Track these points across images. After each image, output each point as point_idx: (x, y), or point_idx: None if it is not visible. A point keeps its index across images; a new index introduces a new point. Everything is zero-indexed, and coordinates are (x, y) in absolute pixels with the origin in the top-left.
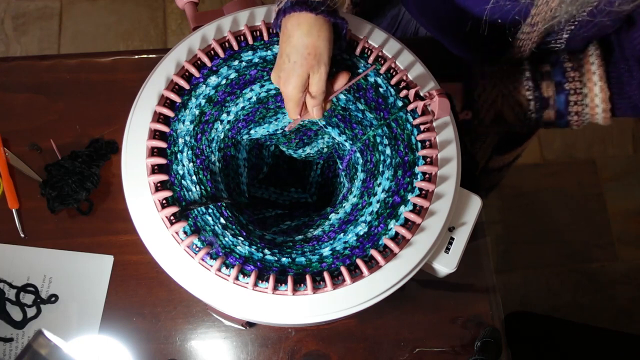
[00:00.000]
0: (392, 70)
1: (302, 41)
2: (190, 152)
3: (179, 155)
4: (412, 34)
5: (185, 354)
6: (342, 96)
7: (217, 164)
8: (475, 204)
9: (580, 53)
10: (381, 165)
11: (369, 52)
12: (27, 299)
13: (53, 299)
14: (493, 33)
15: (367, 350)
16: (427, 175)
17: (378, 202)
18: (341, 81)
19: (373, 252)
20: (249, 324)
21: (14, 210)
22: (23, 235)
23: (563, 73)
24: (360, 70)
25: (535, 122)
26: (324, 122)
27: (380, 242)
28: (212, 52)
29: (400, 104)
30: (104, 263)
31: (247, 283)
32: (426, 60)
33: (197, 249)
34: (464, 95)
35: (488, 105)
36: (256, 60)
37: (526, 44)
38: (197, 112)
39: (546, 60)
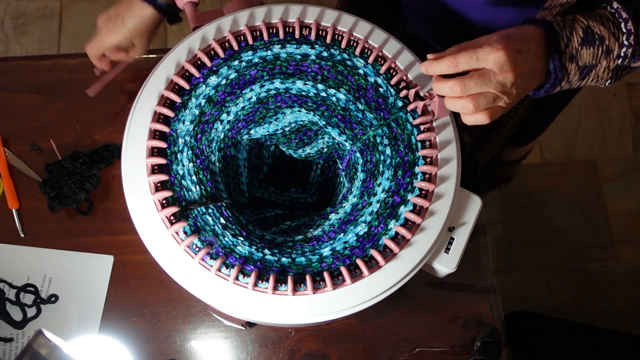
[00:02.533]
0: (392, 70)
1: (140, 21)
2: (190, 152)
3: (179, 155)
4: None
5: (185, 354)
6: (342, 96)
7: (217, 164)
8: (475, 204)
9: None
10: (381, 165)
11: (369, 52)
12: (27, 299)
13: (53, 299)
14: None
15: (367, 350)
16: (427, 175)
17: (378, 202)
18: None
19: (373, 252)
20: (249, 324)
21: (14, 210)
22: (23, 235)
23: None
24: (361, 71)
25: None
26: (324, 122)
27: (380, 242)
28: (212, 52)
29: (400, 104)
30: (104, 263)
31: (247, 283)
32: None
33: (197, 249)
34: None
35: (570, 22)
36: (256, 60)
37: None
38: (197, 112)
39: None
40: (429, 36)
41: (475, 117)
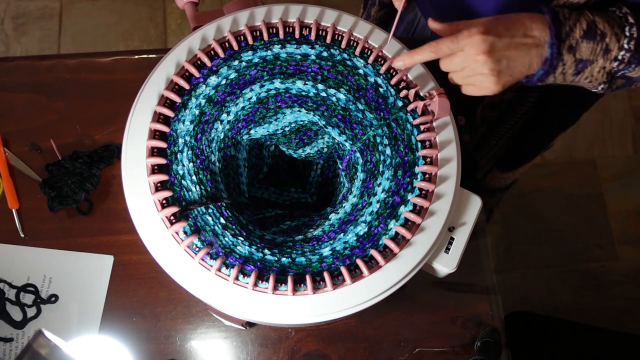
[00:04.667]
0: (392, 70)
1: None
2: (190, 152)
3: (179, 155)
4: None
5: (185, 354)
6: (342, 96)
7: (217, 164)
8: (475, 204)
9: None
10: (381, 165)
11: (369, 52)
12: (27, 299)
13: (53, 299)
14: None
15: (367, 350)
16: (427, 175)
17: (378, 202)
18: None
19: (373, 252)
20: (249, 324)
21: (14, 210)
22: (23, 235)
23: None
24: (361, 71)
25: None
26: (324, 122)
27: (380, 242)
28: (212, 52)
29: (400, 104)
30: (104, 263)
31: (247, 283)
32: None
33: (197, 249)
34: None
35: (575, 15)
36: (256, 60)
37: None
38: (197, 112)
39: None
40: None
41: (466, 89)
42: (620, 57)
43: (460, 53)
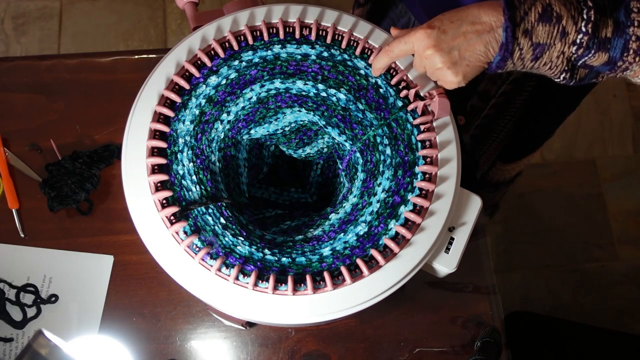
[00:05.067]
0: (392, 71)
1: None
2: (190, 152)
3: (179, 155)
4: None
5: (185, 354)
6: (342, 96)
7: (217, 164)
8: (475, 204)
9: None
10: (381, 165)
11: (369, 52)
12: (27, 299)
13: (53, 299)
14: None
15: (367, 350)
16: (427, 175)
17: (378, 202)
18: None
19: (373, 252)
20: (249, 324)
21: (14, 210)
22: (23, 235)
23: (628, 14)
24: (361, 71)
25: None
26: (324, 122)
27: (380, 242)
28: (212, 52)
29: (400, 104)
30: (104, 263)
31: (247, 283)
32: None
33: (197, 249)
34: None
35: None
36: (256, 60)
37: None
38: (197, 112)
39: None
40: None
41: (439, 83)
42: (578, 41)
43: (416, 54)
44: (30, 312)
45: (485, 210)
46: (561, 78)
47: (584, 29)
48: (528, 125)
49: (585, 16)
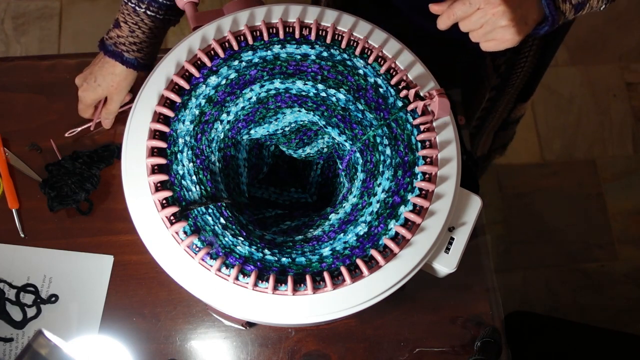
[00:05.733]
0: (392, 71)
1: (112, 78)
2: (190, 152)
3: (179, 155)
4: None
5: (185, 354)
6: (341, 96)
7: (217, 164)
8: (475, 204)
9: None
10: (381, 166)
11: (369, 52)
12: (27, 299)
13: (53, 299)
14: None
15: (367, 350)
16: (427, 175)
17: (378, 202)
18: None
19: (373, 252)
20: (249, 324)
21: (14, 210)
22: (23, 235)
23: None
24: (361, 71)
25: None
26: (323, 122)
27: (380, 242)
28: (212, 52)
29: (400, 104)
30: (104, 263)
31: (247, 283)
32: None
33: (197, 249)
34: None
35: None
36: (256, 60)
37: None
38: (197, 112)
39: None
40: (413, 12)
41: (486, 45)
42: None
43: (478, 11)
44: (30, 312)
45: (496, 153)
46: (601, 9)
47: None
48: (538, 63)
49: None
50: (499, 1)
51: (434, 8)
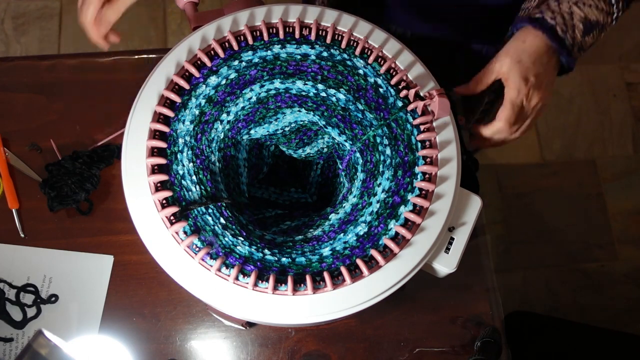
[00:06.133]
0: (392, 71)
1: None
2: (190, 152)
3: (179, 156)
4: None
5: (185, 354)
6: (341, 96)
7: (217, 164)
8: (475, 204)
9: None
10: (381, 166)
11: (369, 52)
12: (27, 299)
13: (53, 299)
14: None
15: (367, 350)
16: (427, 175)
17: (378, 202)
18: None
19: (373, 252)
20: (249, 324)
21: (14, 210)
22: (23, 235)
23: None
24: (360, 71)
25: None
26: (323, 122)
27: (380, 242)
28: (212, 52)
29: (400, 104)
30: (104, 263)
31: (247, 283)
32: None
33: (197, 249)
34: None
35: (569, 20)
36: (256, 60)
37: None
38: (197, 112)
39: None
40: (412, 12)
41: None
42: (615, 19)
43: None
44: (30, 312)
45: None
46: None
47: (615, 10)
48: None
49: (615, 9)
50: (542, 102)
51: (459, 90)
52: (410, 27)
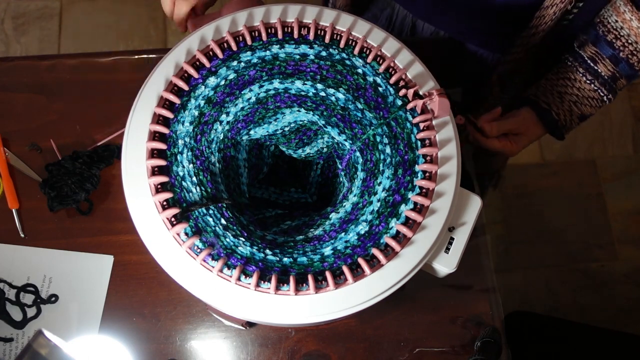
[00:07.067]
0: (391, 70)
1: None
2: (190, 153)
3: (178, 157)
4: (407, 30)
5: (185, 354)
6: (341, 96)
7: (217, 164)
8: (475, 204)
9: (609, 13)
10: (381, 164)
11: (368, 51)
12: (27, 299)
13: (53, 299)
14: (509, 15)
15: (367, 350)
16: (427, 174)
17: (378, 201)
18: None
19: (374, 251)
20: (249, 324)
21: (14, 210)
22: (23, 235)
23: (611, 44)
24: (360, 70)
25: (613, 96)
26: (323, 122)
27: (381, 241)
28: (211, 52)
29: (399, 102)
30: (104, 263)
31: (249, 283)
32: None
33: (198, 250)
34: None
35: (568, 116)
36: (255, 60)
37: (544, 21)
38: (196, 113)
39: (580, 43)
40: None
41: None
42: (607, 99)
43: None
44: (30, 312)
45: (493, 177)
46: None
47: (606, 98)
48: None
49: (606, 99)
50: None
51: (485, 120)
52: (419, 13)
